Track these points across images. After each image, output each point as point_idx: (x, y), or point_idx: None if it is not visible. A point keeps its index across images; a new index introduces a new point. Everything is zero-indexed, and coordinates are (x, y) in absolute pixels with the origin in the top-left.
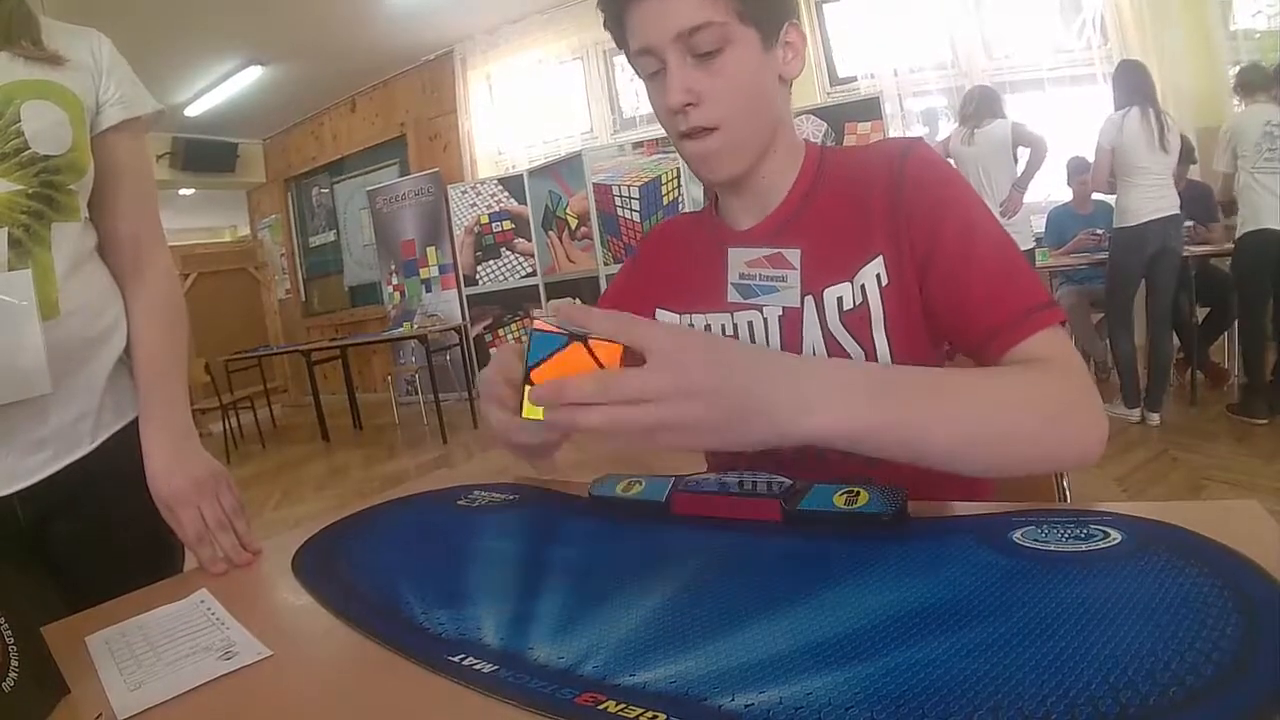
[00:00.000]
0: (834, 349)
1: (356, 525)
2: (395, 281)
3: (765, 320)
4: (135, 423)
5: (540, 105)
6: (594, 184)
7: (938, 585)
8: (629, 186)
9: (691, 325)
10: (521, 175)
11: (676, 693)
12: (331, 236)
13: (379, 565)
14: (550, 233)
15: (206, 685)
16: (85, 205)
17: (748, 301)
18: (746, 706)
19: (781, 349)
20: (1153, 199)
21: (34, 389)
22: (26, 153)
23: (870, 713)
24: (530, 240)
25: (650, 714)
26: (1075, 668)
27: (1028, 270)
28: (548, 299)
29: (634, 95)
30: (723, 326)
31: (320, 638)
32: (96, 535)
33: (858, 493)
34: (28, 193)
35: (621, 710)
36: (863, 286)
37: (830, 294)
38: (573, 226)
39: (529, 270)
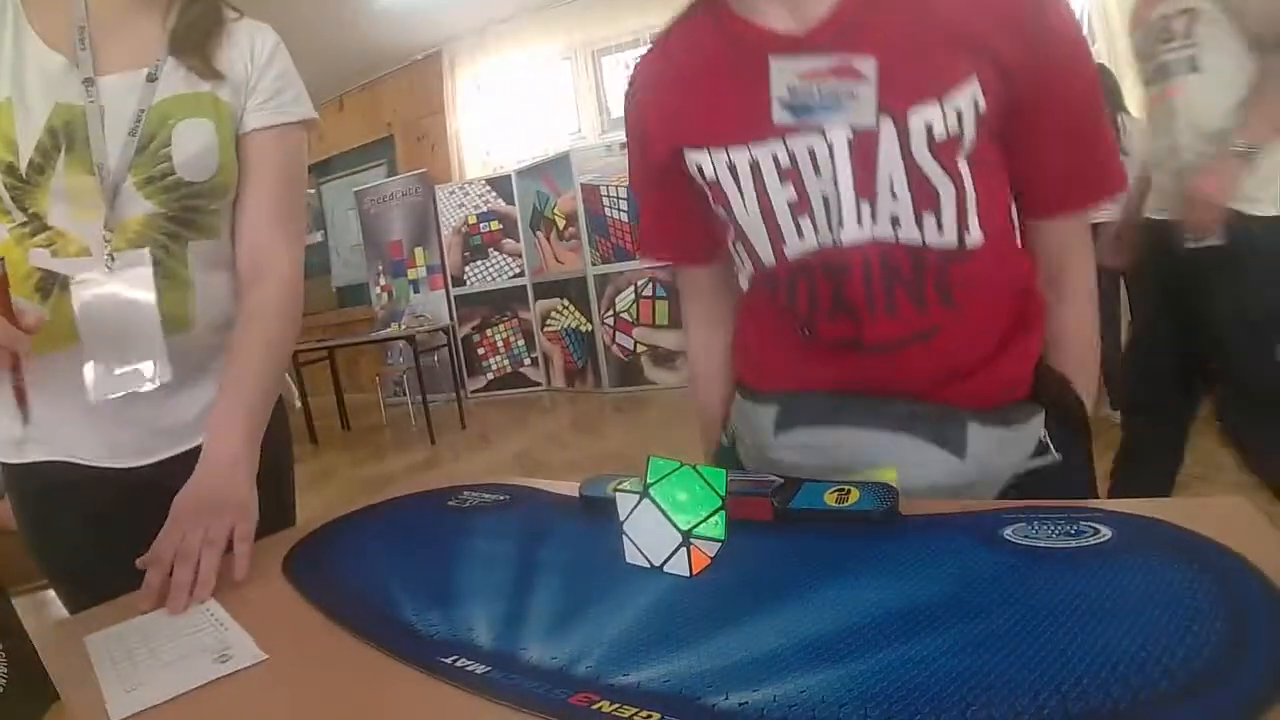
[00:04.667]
0: (916, 180)
1: (347, 527)
2: (383, 282)
3: (831, 145)
4: None
5: (528, 105)
6: (582, 184)
7: (929, 582)
8: (617, 187)
9: (731, 164)
10: (509, 176)
11: (670, 692)
12: (319, 237)
13: (370, 567)
14: (538, 233)
15: (201, 688)
16: (227, 221)
17: (803, 121)
18: (741, 705)
19: (852, 177)
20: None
21: (154, 380)
22: (172, 178)
23: (864, 709)
24: (518, 241)
25: (645, 713)
26: (1067, 663)
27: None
28: (535, 299)
29: (622, 96)
30: (774, 157)
31: (311, 640)
32: None
33: (848, 491)
34: (167, 215)
35: (616, 710)
36: (958, 112)
37: (917, 117)
38: (560, 227)
39: (517, 271)
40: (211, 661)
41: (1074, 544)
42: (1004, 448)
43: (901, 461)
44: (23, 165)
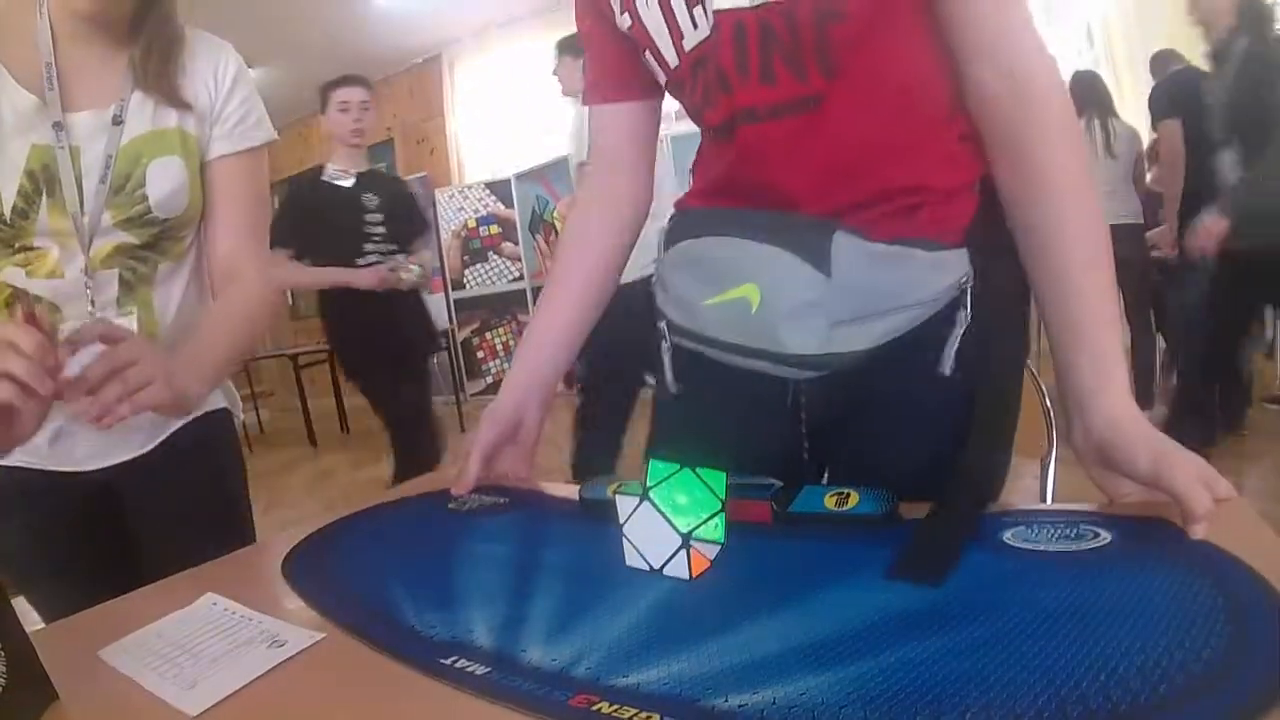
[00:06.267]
0: None
1: (347, 529)
2: None
3: None
4: (210, 413)
5: (528, 109)
6: None
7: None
8: None
9: None
10: (509, 179)
11: (670, 693)
12: None
13: (370, 568)
14: (537, 237)
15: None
16: (191, 242)
17: None
18: (740, 707)
19: None
20: None
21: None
22: (149, 216)
23: (863, 712)
24: (517, 244)
25: (644, 715)
26: (1066, 666)
27: None
28: (535, 303)
29: None
30: None
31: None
32: (172, 505)
33: (848, 494)
34: (139, 244)
35: (615, 711)
36: None
37: None
38: (559, 230)
39: (516, 274)
40: (267, 648)
41: (1073, 548)
42: (880, 270)
43: (765, 278)
44: (6, 210)
